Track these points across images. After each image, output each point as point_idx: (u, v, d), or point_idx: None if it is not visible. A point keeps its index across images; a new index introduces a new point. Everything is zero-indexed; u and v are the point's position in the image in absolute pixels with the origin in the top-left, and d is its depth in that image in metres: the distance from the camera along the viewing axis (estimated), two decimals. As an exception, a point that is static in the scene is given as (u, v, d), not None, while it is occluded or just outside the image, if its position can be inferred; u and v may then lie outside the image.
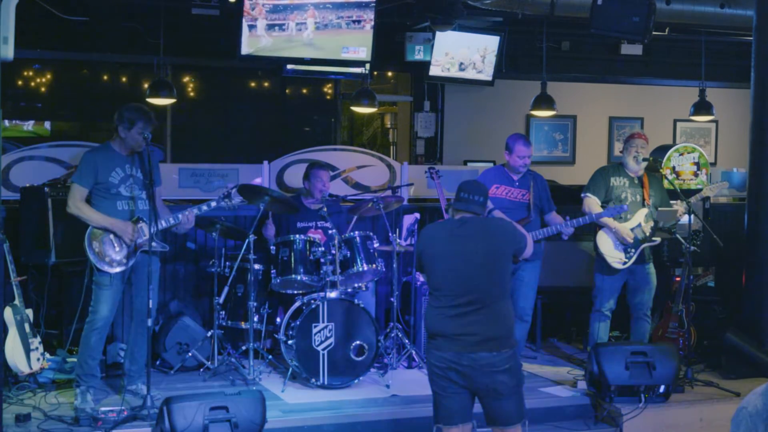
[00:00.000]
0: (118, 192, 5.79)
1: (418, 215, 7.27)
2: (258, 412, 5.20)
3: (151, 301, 5.65)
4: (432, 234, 4.75)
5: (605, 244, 6.75)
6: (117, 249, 5.73)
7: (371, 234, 6.74)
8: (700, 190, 7.54)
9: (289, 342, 6.30)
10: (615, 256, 6.72)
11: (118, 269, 5.74)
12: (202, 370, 6.59)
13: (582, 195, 6.88)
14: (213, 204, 6.01)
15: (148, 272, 5.71)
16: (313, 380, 6.27)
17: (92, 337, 5.77)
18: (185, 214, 5.90)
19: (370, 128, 13.08)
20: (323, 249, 6.54)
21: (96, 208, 5.77)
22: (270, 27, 7.65)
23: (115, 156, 5.83)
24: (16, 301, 5.94)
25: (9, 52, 5.09)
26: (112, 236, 5.72)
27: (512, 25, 9.42)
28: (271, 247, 6.65)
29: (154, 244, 5.70)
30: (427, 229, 4.83)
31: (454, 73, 9.53)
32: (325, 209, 6.68)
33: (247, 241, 6.49)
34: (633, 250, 6.72)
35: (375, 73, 10.17)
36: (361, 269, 6.58)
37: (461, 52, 9.50)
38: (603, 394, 6.19)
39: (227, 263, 6.70)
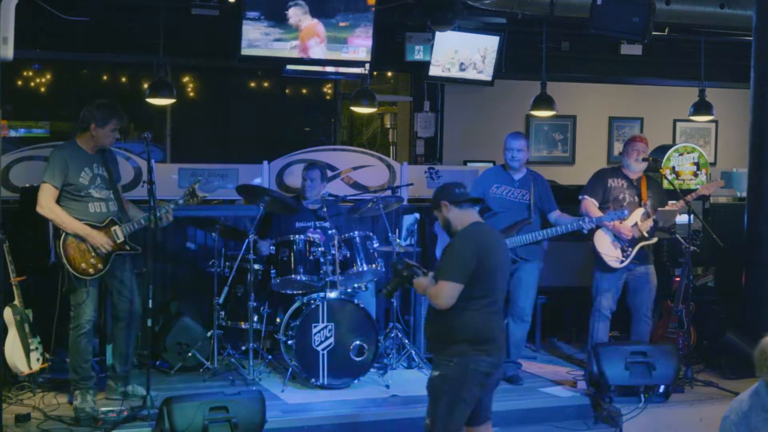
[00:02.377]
0: (89, 193, 5.71)
1: (417, 215, 7.28)
2: (258, 412, 5.21)
3: (150, 301, 5.62)
4: (487, 241, 4.58)
5: (602, 242, 6.75)
6: (92, 255, 5.67)
7: (371, 234, 6.74)
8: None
9: (289, 342, 6.30)
10: (612, 255, 6.72)
11: (94, 276, 5.70)
12: (202, 370, 6.59)
13: (580, 197, 6.88)
14: (180, 202, 5.91)
15: (127, 273, 5.73)
16: (313, 380, 6.27)
17: (81, 341, 5.75)
18: (164, 213, 5.79)
19: (370, 128, 13.07)
20: (323, 249, 6.54)
21: (67, 210, 5.66)
22: (270, 28, 7.65)
23: (82, 154, 5.75)
24: (16, 301, 5.94)
25: (9, 52, 5.09)
26: (87, 243, 5.65)
27: (512, 25, 9.41)
28: (271, 248, 6.66)
29: (127, 247, 5.72)
30: (480, 236, 4.59)
31: (455, 73, 9.52)
32: (325, 209, 6.68)
33: (247, 241, 6.49)
34: (630, 249, 6.72)
35: (375, 73, 10.15)
36: (360, 269, 6.58)
37: (462, 53, 9.49)
38: (603, 394, 6.20)
39: (227, 263, 6.70)
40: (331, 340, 6.31)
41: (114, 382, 5.98)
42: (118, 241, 5.72)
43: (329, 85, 10.98)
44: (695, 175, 8.63)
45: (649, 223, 6.74)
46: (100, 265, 5.68)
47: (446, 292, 4.44)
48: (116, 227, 5.73)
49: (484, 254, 4.49)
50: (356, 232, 6.67)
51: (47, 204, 5.63)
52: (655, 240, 6.85)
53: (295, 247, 6.58)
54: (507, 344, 6.87)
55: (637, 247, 6.73)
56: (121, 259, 5.79)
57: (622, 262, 6.72)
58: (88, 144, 5.77)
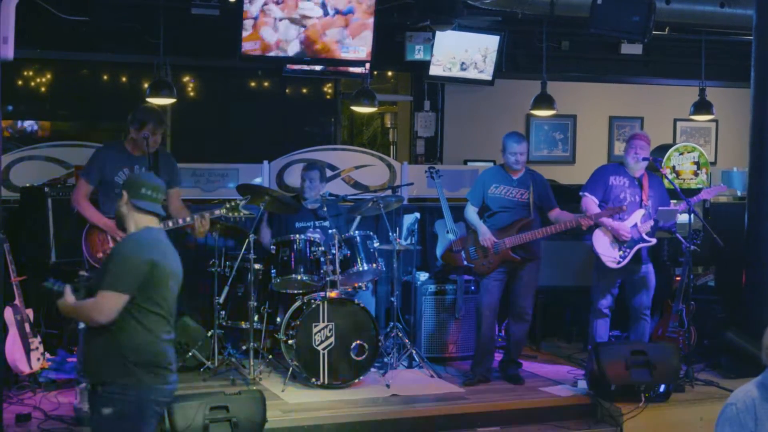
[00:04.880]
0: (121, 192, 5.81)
1: (418, 215, 7.29)
2: (258, 412, 5.21)
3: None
4: (159, 248, 4.07)
5: (600, 242, 6.74)
6: (110, 246, 5.78)
7: (371, 233, 6.74)
8: (700, 189, 7.49)
9: (290, 342, 6.30)
10: (609, 255, 6.71)
11: None
12: (202, 369, 6.59)
13: (580, 194, 6.87)
14: (216, 212, 5.95)
15: None
16: (313, 380, 6.27)
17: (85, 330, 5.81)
18: (198, 217, 5.85)
19: (370, 128, 13.07)
20: (323, 249, 6.54)
21: (101, 204, 5.89)
22: (271, 27, 7.66)
23: (124, 155, 5.94)
24: (17, 301, 5.95)
25: (9, 52, 5.08)
26: (104, 235, 5.81)
27: (512, 25, 9.41)
28: (272, 247, 6.66)
29: None
30: (153, 242, 4.09)
31: (456, 72, 9.53)
32: (325, 209, 6.68)
33: (247, 241, 6.49)
34: (628, 250, 6.71)
35: (375, 72, 10.15)
36: (361, 269, 6.58)
37: (463, 52, 9.49)
38: (603, 393, 6.19)
39: (227, 263, 6.71)
40: (332, 339, 6.31)
41: None
42: None
43: (329, 85, 10.97)
44: (696, 174, 8.63)
45: (650, 224, 6.73)
46: None
47: (108, 303, 3.86)
48: None
49: (157, 262, 3.97)
50: (356, 232, 6.68)
51: (75, 196, 5.95)
52: (653, 241, 6.84)
53: (295, 246, 6.58)
54: (507, 343, 6.89)
55: (635, 249, 6.71)
56: None
57: (619, 263, 6.71)
58: (132, 146, 5.96)
